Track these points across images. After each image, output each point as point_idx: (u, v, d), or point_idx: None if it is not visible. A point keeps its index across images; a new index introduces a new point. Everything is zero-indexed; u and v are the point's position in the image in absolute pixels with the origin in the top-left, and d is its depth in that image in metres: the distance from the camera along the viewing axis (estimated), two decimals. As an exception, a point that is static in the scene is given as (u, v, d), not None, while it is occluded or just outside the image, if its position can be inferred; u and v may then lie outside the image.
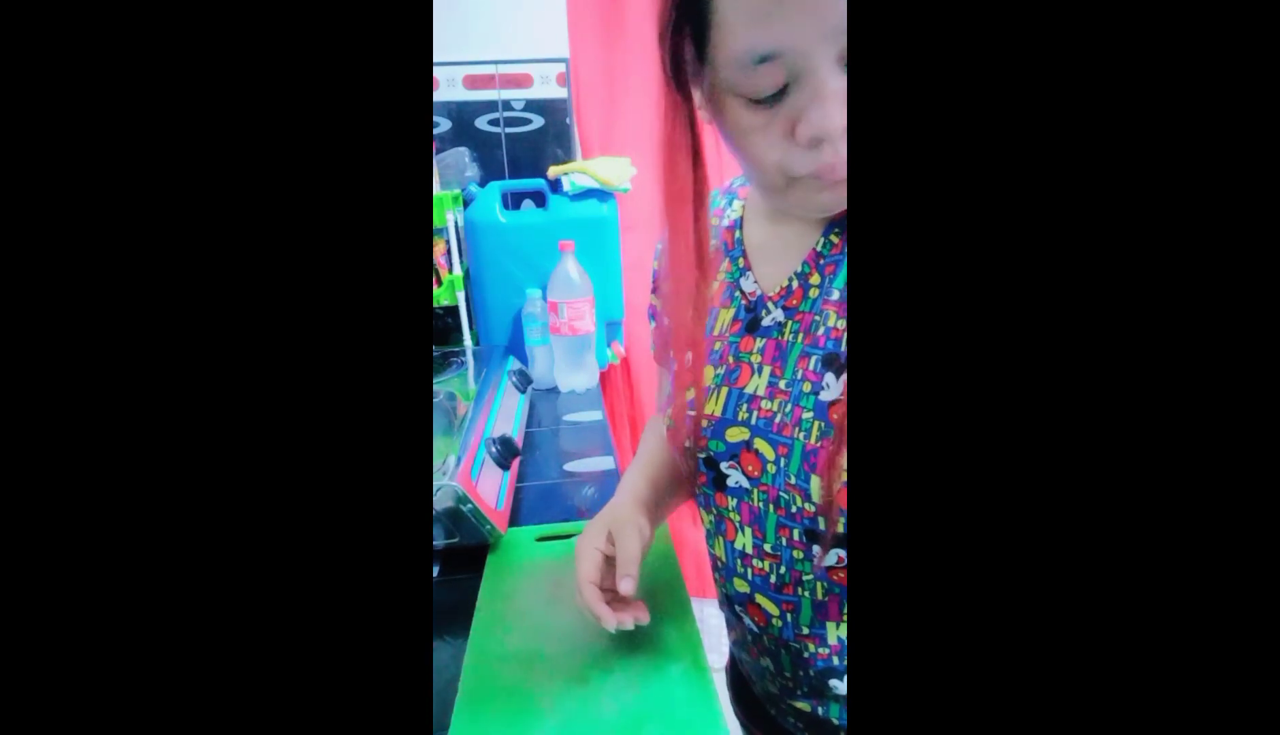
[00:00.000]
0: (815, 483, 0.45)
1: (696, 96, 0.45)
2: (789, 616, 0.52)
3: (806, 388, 0.46)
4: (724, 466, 0.51)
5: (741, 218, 0.56)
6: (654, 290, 0.62)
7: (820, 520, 0.46)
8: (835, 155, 0.40)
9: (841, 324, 0.46)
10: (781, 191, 0.44)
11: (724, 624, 0.63)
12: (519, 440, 0.88)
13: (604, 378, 1.22)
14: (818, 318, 0.48)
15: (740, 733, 0.68)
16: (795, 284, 0.50)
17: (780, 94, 0.39)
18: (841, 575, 0.48)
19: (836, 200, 0.43)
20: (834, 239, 0.48)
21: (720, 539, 0.55)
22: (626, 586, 0.49)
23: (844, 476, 0.43)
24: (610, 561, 0.52)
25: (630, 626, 0.50)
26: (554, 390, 1.17)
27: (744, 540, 0.52)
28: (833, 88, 0.38)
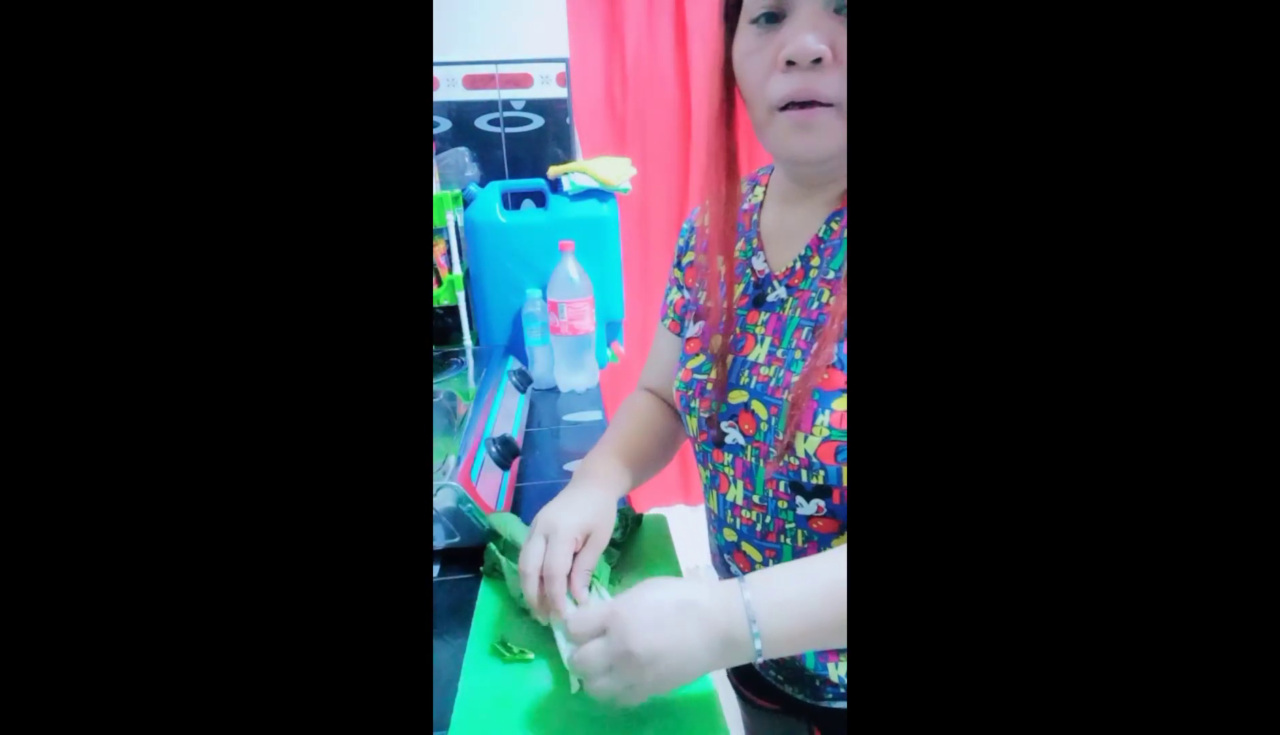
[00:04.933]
0: (799, 438, 0.50)
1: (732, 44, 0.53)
2: (771, 563, 0.56)
3: (798, 355, 0.52)
4: (724, 425, 0.57)
5: (761, 202, 0.62)
6: (676, 263, 0.69)
7: (803, 472, 0.51)
8: (803, 83, 0.47)
9: (834, 300, 0.51)
10: (764, 128, 0.51)
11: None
12: (519, 440, 0.88)
13: (604, 377, 1.22)
14: (813, 294, 0.54)
15: (734, 701, 0.71)
16: (798, 265, 0.56)
17: (775, 19, 0.48)
18: (820, 524, 0.53)
19: (806, 147, 0.50)
20: (834, 226, 0.54)
21: (714, 492, 0.60)
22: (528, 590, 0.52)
23: (824, 433, 0.48)
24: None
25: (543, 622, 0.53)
26: (554, 390, 1.17)
27: (735, 492, 0.57)
28: (809, 21, 0.46)
